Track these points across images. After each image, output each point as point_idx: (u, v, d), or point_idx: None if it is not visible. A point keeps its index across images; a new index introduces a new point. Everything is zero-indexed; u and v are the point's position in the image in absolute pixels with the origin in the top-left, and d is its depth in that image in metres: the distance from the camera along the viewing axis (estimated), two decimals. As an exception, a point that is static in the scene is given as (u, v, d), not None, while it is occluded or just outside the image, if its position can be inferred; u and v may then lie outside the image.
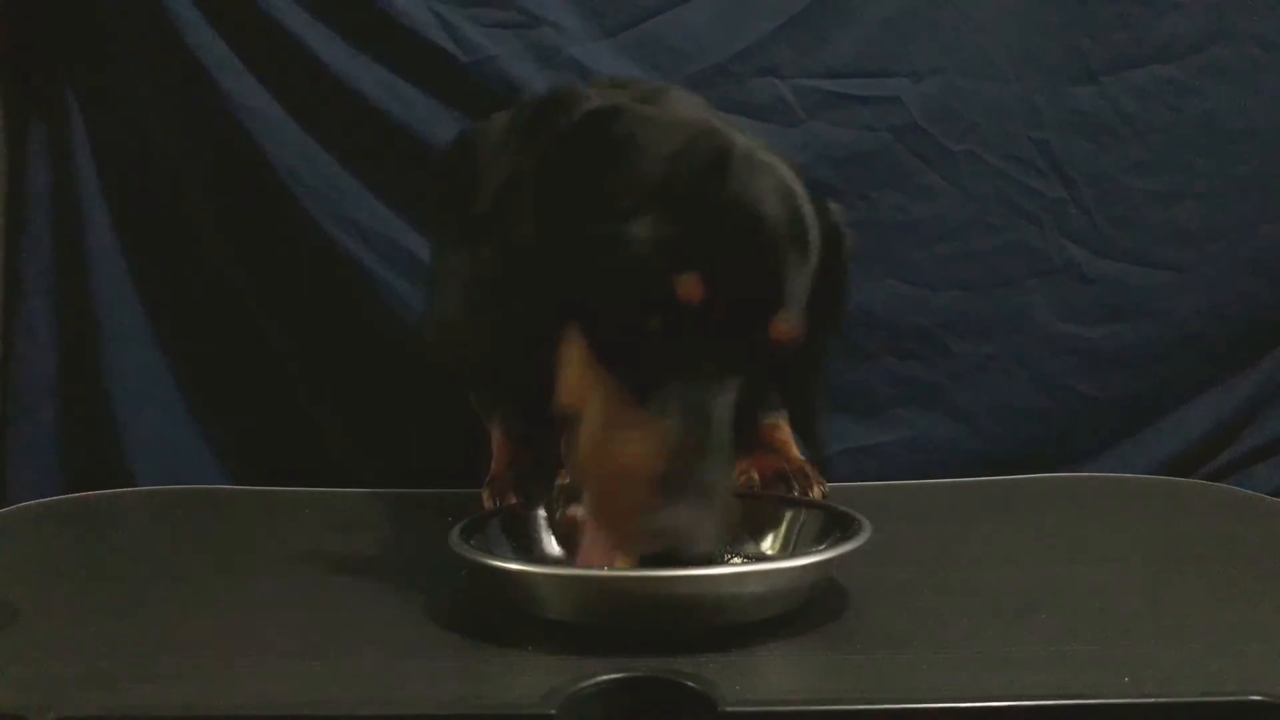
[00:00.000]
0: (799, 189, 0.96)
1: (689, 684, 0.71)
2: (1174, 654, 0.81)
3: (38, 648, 0.86)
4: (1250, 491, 1.40)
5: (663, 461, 0.85)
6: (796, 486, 1.20)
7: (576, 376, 0.95)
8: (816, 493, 1.19)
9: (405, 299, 1.56)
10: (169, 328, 1.61)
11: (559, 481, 1.10)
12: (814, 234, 0.95)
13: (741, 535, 1.04)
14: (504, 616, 0.90)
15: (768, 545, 1.04)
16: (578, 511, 0.93)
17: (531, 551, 1.03)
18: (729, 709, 0.69)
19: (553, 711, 0.69)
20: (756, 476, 1.22)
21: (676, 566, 0.83)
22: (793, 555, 1.00)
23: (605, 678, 0.71)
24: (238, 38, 1.53)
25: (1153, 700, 0.69)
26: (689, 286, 0.88)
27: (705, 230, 0.90)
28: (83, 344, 1.58)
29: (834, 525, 0.99)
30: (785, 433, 1.30)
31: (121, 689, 0.78)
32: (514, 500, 1.18)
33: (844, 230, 1.04)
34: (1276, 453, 1.63)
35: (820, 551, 0.94)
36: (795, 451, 1.28)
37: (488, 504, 1.22)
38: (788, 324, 0.91)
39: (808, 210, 0.95)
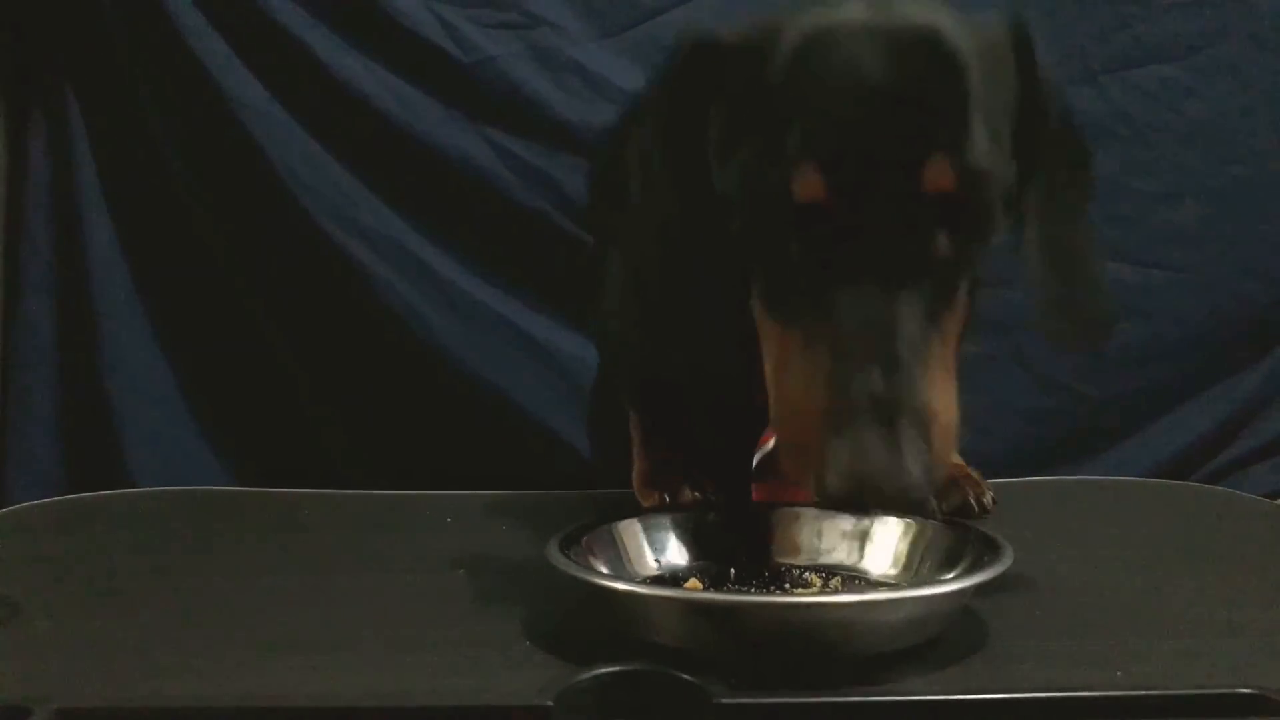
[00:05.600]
0: (936, 19, 0.79)
1: (683, 677, 0.71)
2: (1167, 649, 0.81)
3: (39, 642, 0.86)
4: (1245, 494, 1.40)
5: (827, 393, 0.75)
6: (970, 492, 1.15)
7: (764, 339, 0.85)
8: (988, 498, 1.15)
9: (404, 298, 1.57)
10: (169, 328, 1.62)
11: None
12: (961, 55, 0.78)
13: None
14: (502, 613, 0.90)
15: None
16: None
17: (627, 568, 0.95)
18: (723, 701, 0.69)
19: (549, 703, 0.69)
20: None
21: (879, 507, 0.77)
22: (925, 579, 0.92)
23: (601, 670, 0.71)
24: (238, 38, 1.53)
25: (1144, 693, 0.70)
26: (806, 184, 0.77)
27: (809, 118, 0.78)
28: (83, 344, 1.59)
29: (965, 544, 0.91)
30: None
31: (121, 682, 0.78)
32: (689, 494, 1.15)
33: (1030, 35, 0.86)
34: (1275, 453, 1.63)
35: (966, 577, 0.84)
36: (956, 455, 1.20)
37: (647, 501, 1.18)
38: (939, 169, 0.76)
39: (947, 32, 0.78)
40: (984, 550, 0.87)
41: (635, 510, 1.02)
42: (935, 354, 0.77)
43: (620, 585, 0.84)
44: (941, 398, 0.77)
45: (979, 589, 0.82)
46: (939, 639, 0.82)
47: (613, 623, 0.83)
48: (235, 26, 1.53)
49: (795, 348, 0.79)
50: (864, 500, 0.73)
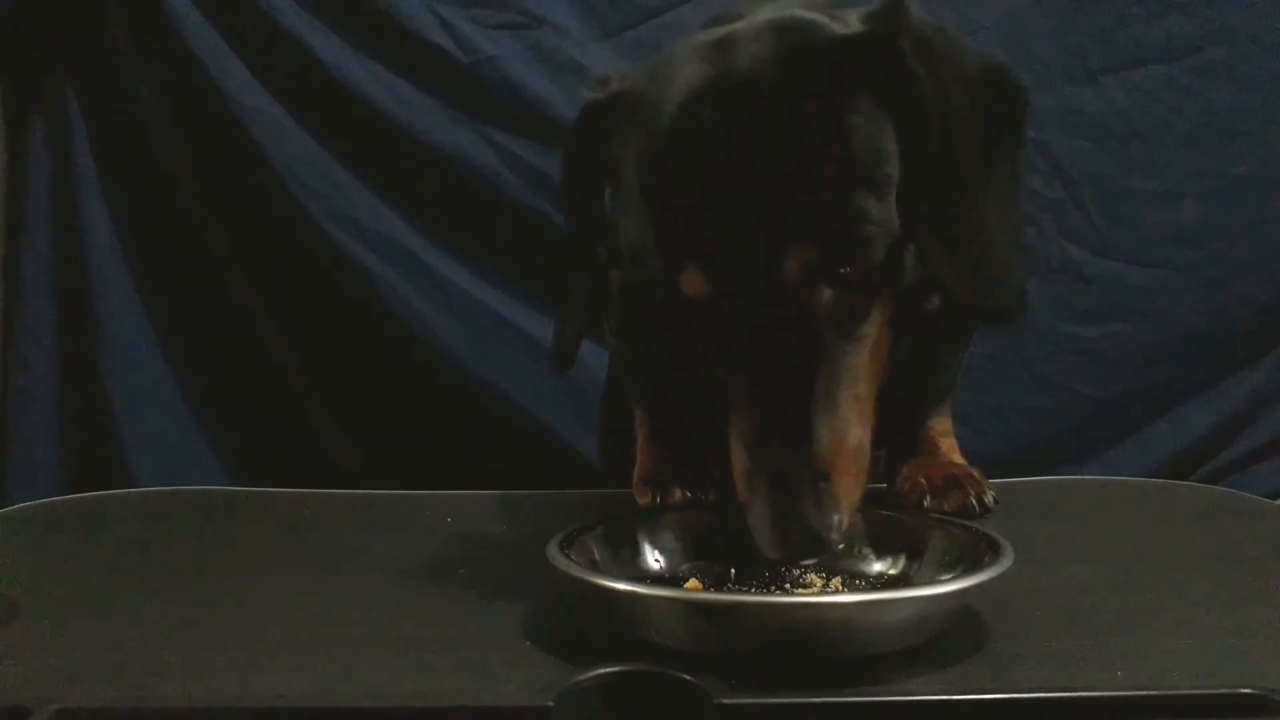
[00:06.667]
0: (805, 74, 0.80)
1: (684, 677, 0.71)
2: (1167, 649, 0.81)
3: (39, 642, 0.86)
4: (1245, 494, 1.40)
5: (741, 473, 0.83)
6: (971, 492, 1.14)
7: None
8: (989, 498, 1.15)
9: (404, 298, 1.57)
10: (169, 328, 1.62)
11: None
12: (826, 122, 0.80)
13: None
14: (502, 613, 0.90)
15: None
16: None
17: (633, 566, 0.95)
18: (723, 702, 0.69)
19: (549, 704, 0.69)
20: (925, 482, 1.16)
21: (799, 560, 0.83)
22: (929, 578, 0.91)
23: (602, 671, 0.71)
24: (238, 38, 1.54)
25: (1144, 693, 0.69)
26: (689, 283, 0.82)
27: (683, 214, 0.82)
28: (83, 344, 1.59)
29: (965, 544, 0.90)
30: (946, 425, 1.26)
31: (122, 682, 0.78)
32: (678, 494, 1.16)
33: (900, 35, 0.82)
34: (1275, 453, 1.63)
35: (966, 577, 0.82)
36: (959, 455, 1.24)
37: (642, 499, 1.18)
38: (795, 257, 0.80)
39: (815, 95, 0.80)
40: (984, 550, 0.87)
41: (635, 510, 1.02)
42: (837, 400, 0.83)
43: (620, 585, 0.84)
44: (848, 431, 0.83)
45: (979, 589, 0.81)
46: (939, 639, 0.82)
47: (613, 623, 0.83)
48: (235, 26, 1.53)
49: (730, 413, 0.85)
50: (788, 559, 0.84)
